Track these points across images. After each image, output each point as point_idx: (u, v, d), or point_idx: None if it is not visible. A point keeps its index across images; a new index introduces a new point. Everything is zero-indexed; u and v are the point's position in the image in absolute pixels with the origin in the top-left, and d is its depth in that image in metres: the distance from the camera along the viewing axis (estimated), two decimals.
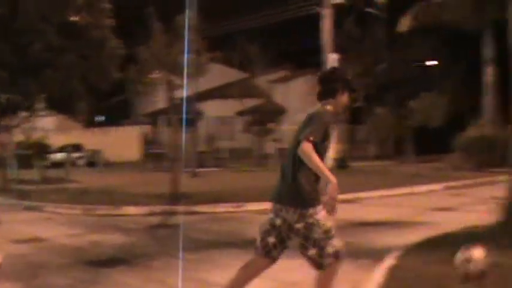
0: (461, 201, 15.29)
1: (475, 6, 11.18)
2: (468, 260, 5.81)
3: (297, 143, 5.16)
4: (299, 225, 5.20)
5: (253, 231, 11.21)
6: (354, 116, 35.08)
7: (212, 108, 44.08)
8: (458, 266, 5.84)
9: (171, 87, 17.36)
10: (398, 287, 6.31)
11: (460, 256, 5.85)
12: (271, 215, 5.45)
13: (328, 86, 5.44)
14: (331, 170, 5.17)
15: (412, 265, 7.27)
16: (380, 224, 12.51)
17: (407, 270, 7.06)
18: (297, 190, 5.24)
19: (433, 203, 15.94)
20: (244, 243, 10.08)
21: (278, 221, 5.38)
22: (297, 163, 5.23)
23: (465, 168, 25.34)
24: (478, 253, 5.86)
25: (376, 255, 8.38)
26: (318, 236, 5.14)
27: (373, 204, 16.38)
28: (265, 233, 5.49)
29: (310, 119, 5.22)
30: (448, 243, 8.35)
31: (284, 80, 48.16)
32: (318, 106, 5.37)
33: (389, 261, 7.60)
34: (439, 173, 25.63)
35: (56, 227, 12.59)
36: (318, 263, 5.25)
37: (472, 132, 26.60)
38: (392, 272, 7.05)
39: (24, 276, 7.90)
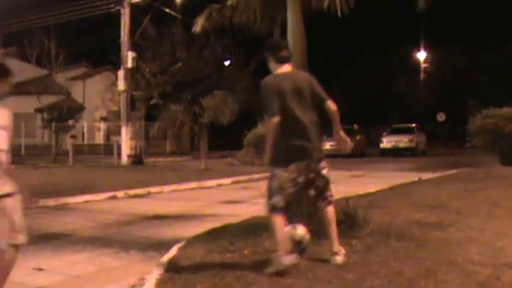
0: (248, 195, 15.73)
1: (261, 10, 11.48)
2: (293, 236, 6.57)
3: (321, 101, 6.63)
4: (325, 171, 6.69)
5: (48, 227, 11.00)
6: (151, 113, 35.12)
7: (10, 105, 42.35)
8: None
9: None
10: (177, 276, 6.38)
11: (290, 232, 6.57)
12: (292, 175, 6.37)
13: None
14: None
15: (193, 254, 7.39)
16: (169, 217, 12.61)
17: (187, 259, 7.18)
18: (321, 145, 6.76)
19: (222, 196, 16.32)
20: (38, 239, 9.74)
21: (301, 178, 6.45)
22: (317, 123, 6.60)
23: (254, 163, 26.19)
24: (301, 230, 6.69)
25: (163, 247, 8.45)
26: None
27: (164, 198, 16.46)
28: (291, 193, 6.48)
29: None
30: (229, 233, 8.64)
31: (82, 77, 47.34)
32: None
33: (172, 252, 7.69)
34: (228, 168, 26.34)
35: None
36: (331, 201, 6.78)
37: (261, 129, 27.53)
38: (174, 261, 7.15)
39: None
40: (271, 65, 6.79)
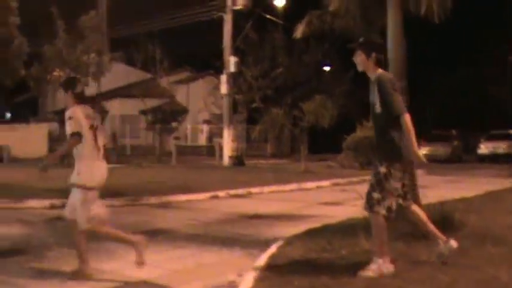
0: (347, 197, 15.69)
1: (362, 14, 11.50)
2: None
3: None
4: None
5: (152, 224, 11.36)
6: (252, 116, 35.53)
7: (116, 107, 43.74)
8: None
9: None
10: (275, 274, 6.50)
11: None
12: (400, 174, 6.38)
13: None
14: None
15: (291, 253, 7.50)
16: (269, 217, 12.77)
17: (286, 258, 7.29)
18: None
19: (321, 198, 16.36)
20: (143, 234, 10.13)
21: (405, 178, 6.55)
22: None
23: (352, 167, 26.14)
24: None
25: (263, 245, 8.61)
26: None
27: (264, 198, 16.65)
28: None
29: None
30: (327, 233, 8.70)
31: (186, 81, 48.26)
32: None
33: (271, 250, 7.82)
34: (328, 170, 26.30)
35: None
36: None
37: (359, 133, 27.43)
38: (273, 260, 7.27)
39: None
40: (367, 63, 6.57)
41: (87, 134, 6.83)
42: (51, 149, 43.34)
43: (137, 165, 28.93)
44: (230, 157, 30.57)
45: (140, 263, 7.06)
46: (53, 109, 48.85)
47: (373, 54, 6.54)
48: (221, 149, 32.06)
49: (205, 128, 47.93)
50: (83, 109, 6.98)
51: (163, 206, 14.45)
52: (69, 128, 6.78)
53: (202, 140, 48.41)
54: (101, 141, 7.07)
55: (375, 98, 6.40)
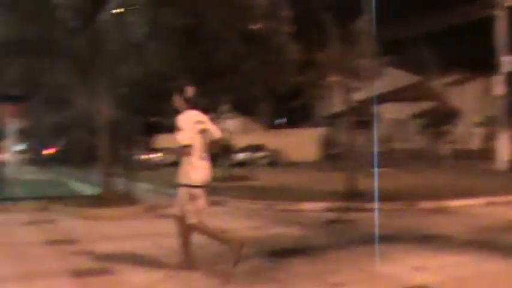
0: None
1: None
2: None
3: None
4: None
5: (427, 228, 11.09)
6: None
7: (387, 111, 43.62)
8: None
9: (348, 90, 17.34)
10: None
11: None
12: None
13: None
14: None
15: None
16: None
17: None
18: None
19: None
20: (418, 239, 9.96)
21: None
22: None
23: None
24: None
25: None
26: None
27: None
28: None
29: None
30: None
31: (458, 83, 46.82)
32: None
33: None
34: None
35: (237, 220, 12.94)
36: None
37: None
38: None
39: (206, 264, 8.18)
40: None
41: (196, 138, 7.50)
42: (323, 153, 44.55)
43: (409, 170, 28.58)
44: (508, 161, 29.01)
45: (235, 263, 7.34)
46: (325, 114, 50.02)
47: None
48: (496, 152, 30.60)
49: (478, 131, 46.19)
50: (193, 115, 7.61)
51: (437, 210, 14.03)
52: (181, 139, 7.38)
53: (474, 143, 46.69)
54: (207, 144, 7.77)
55: None
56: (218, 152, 27.19)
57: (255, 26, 20.05)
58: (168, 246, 9.49)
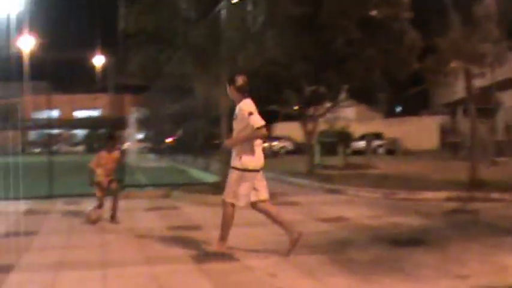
0: None
1: None
2: None
3: None
4: None
5: None
6: None
7: (511, 98, 42.09)
8: None
9: (470, 76, 16.87)
10: None
11: None
12: None
13: None
14: None
15: None
16: None
17: None
18: None
19: None
20: None
21: None
22: None
23: None
24: None
25: None
26: None
27: None
28: None
29: None
30: None
31: None
32: None
33: None
34: None
35: (356, 209, 12.88)
36: None
37: None
38: None
39: (329, 250, 8.22)
40: None
41: None
42: (442, 142, 43.58)
43: None
44: None
45: (288, 252, 7.87)
46: (444, 101, 48.86)
47: None
48: None
49: None
50: (251, 102, 7.84)
51: None
52: (257, 122, 7.56)
53: None
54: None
55: None
56: (337, 140, 27.18)
57: (374, 13, 19.82)
58: None
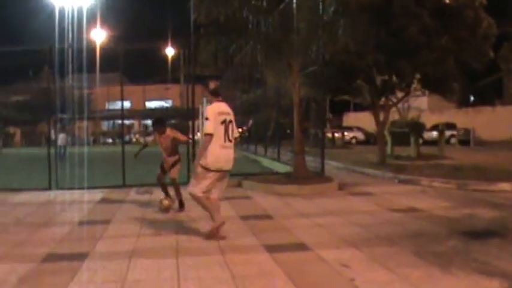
0: None
1: None
2: None
3: None
4: None
5: None
6: None
7: None
8: None
9: None
10: None
11: None
12: None
13: None
14: None
15: None
16: None
17: None
18: None
19: None
20: None
21: None
22: None
23: None
24: None
25: None
26: None
27: None
28: None
29: None
30: None
31: None
32: None
33: None
34: None
35: (430, 199, 12.70)
36: None
37: None
38: None
39: (402, 241, 8.13)
40: None
41: (218, 128, 8.40)
42: None
43: None
44: None
45: (205, 235, 8.74)
46: None
47: None
48: None
49: None
50: (218, 106, 8.55)
51: None
52: (206, 128, 8.35)
53: None
54: (232, 133, 8.60)
55: None
56: (408, 130, 26.83)
57: (447, 0, 19.42)
58: (362, 223, 9.55)
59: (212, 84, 8.74)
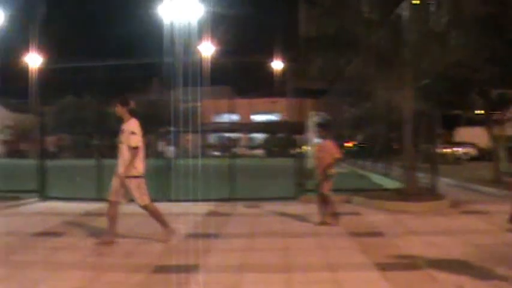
0: None
1: None
2: None
3: None
4: None
5: None
6: None
7: None
8: None
9: None
10: None
11: None
12: None
13: None
14: None
15: None
16: None
17: None
18: None
19: None
20: None
21: None
22: None
23: None
24: None
25: None
26: None
27: None
28: None
29: None
30: None
31: None
32: None
33: None
34: None
35: None
36: None
37: None
38: None
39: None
40: None
41: (142, 141, 9.37)
42: None
43: None
44: None
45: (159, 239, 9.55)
46: None
47: None
48: None
49: None
50: (137, 122, 9.35)
51: None
52: (133, 142, 9.18)
53: None
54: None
55: None
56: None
57: None
58: (477, 243, 9.17)
59: (132, 103, 9.51)
